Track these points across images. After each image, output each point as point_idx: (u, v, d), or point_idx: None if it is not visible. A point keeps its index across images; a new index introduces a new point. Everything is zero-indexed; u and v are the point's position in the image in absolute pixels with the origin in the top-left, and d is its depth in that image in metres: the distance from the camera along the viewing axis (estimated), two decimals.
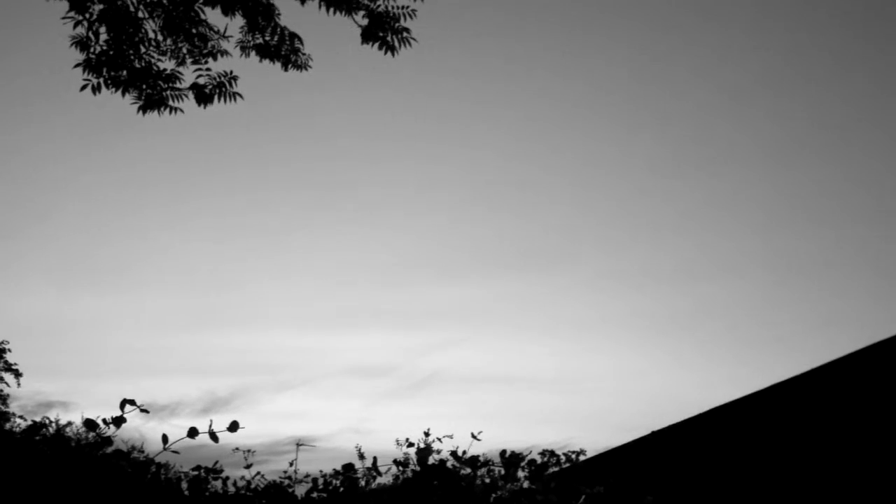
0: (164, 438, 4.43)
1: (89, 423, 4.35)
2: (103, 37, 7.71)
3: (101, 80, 7.83)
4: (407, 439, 5.96)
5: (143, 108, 8.09)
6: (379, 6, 8.05)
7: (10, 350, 32.30)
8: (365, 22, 8.13)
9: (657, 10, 40.36)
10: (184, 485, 5.24)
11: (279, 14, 8.17)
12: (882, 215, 39.96)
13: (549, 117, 43.95)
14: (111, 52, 7.76)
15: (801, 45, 40.59)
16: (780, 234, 42.48)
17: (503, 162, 45.66)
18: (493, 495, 5.40)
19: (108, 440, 4.48)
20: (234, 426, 4.55)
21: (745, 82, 41.88)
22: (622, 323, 45.85)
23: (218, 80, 8.19)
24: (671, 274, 44.70)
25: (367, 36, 8.16)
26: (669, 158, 43.98)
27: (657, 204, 44.55)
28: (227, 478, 5.40)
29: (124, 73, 7.89)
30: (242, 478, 5.56)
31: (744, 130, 42.70)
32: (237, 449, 5.89)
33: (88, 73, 7.78)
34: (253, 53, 8.32)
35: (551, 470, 5.93)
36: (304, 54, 8.40)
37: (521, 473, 5.56)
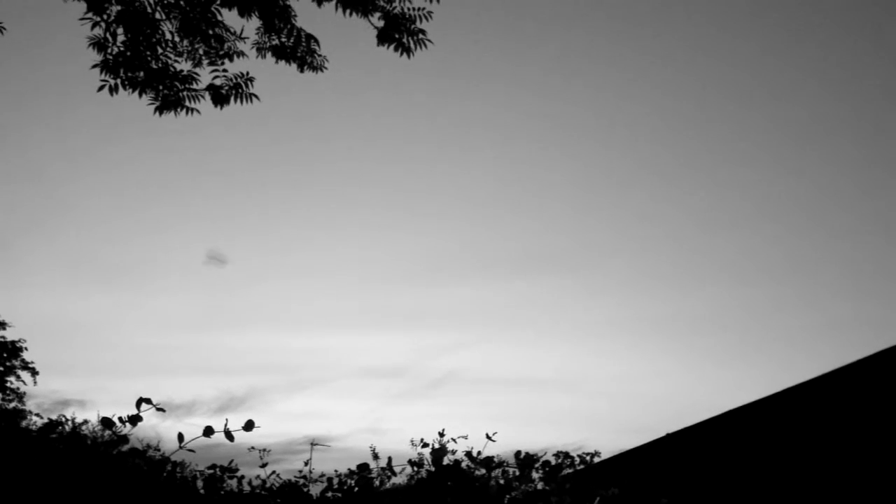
0: (180, 437, 4.45)
1: (106, 422, 4.37)
2: (121, 38, 7.76)
3: (119, 80, 7.87)
4: (422, 439, 5.96)
5: (160, 109, 8.12)
6: (395, 8, 8.06)
7: (26, 348, 32.55)
8: (381, 23, 8.14)
9: (669, 17, 40.26)
10: (199, 483, 5.26)
11: (295, 16, 8.19)
12: (889, 219, 39.76)
13: (563, 123, 43.90)
14: (128, 53, 7.80)
15: (810, 52, 40.40)
16: (791, 240, 42.32)
17: (519, 167, 45.67)
18: (508, 496, 5.40)
19: (125, 438, 4.50)
20: (249, 425, 4.56)
21: (755, 88, 41.72)
22: (636, 326, 45.80)
23: (234, 81, 8.22)
24: (683, 279, 44.60)
25: (383, 37, 8.17)
26: (682, 165, 43.88)
27: (668, 210, 44.47)
28: (243, 477, 5.41)
29: (141, 73, 7.92)
30: (258, 477, 5.57)
31: (754, 137, 42.57)
32: (253, 448, 5.91)
33: (106, 74, 7.82)
34: (269, 55, 8.35)
35: (566, 471, 5.91)
36: (319, 56, 8.42)
37: (535, 475, 5.55)
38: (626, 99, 43.69)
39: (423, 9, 8.05)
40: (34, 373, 32.54)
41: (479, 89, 44.37)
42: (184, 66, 8.12)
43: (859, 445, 12.36)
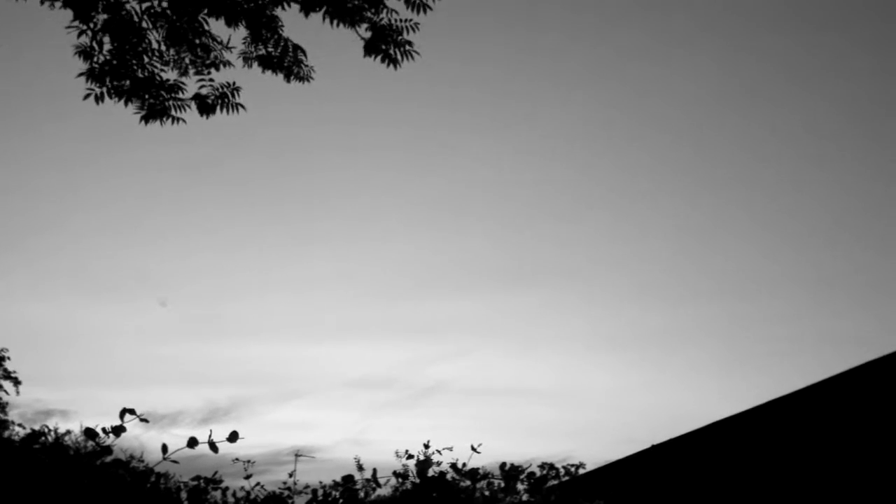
0: (164, 448, 4.43)
1: (89, 432, 4.35)
2: (107, 46, 7.73)
3: (105, 89, 7.84)
4: (406, 451, 5.92)
5: (146, 118, 8.10)
6: (382, 19, 8.06)
7: (9, 358, 32.27)
8: (368, 35, 8.14)
9: (666, 20, 40.49)
10: (183, 495, 5.23)
11: (282, 26, 8.18)
12: (880, 232, 40.03)
13: (554, 132, 44.03)
14: (114, 62, 7.77)
15: (804, 59, 40.69)
16: (778, 252, 42.54)
17: (509, 177, 45.75)
18: None
19: (108, 449, 4.47)
20: (233, 436, 4.54)
21: (750, 99, 41.98)
22: (622, 338, 45.88)
23: (220, 90, 8.20)
24: (670, 291, 44.74)
25: (370, 49, 8.17)
26: (671, 176, 44.08)
27: (657, 222, 44.63)
28: (227, 488, 5.40)
29: (127, 82, 7.89)
30: (242, 488, 5.56)
31: (743, 146, 42.80)
32: (237, 459, 5.88)
33: (92, 83, 7.79)
34: (256, 65, 8.34)
35: (551, 483, 5.91)
36: (306, 66, 8.41)
37: (520, 486, 5.55)
38: (621, 109, 43.87)
39: (410, 20, 8.05)
40: (17, 382, 32.22)
41: (468, 100, 44.46)
42: (170, 75, 8.10)
43: (845, 455, 12.41)
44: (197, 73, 8.16)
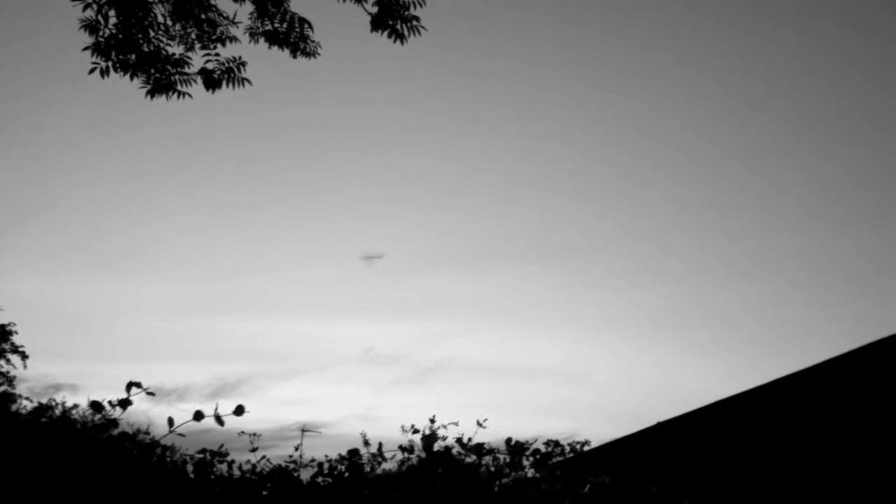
0: (170, 421, 4.44)
1: (95, 405, 4.36)
2: (112, 20, 7.71)
3: (110, 63, 7.82)
4: (412, 426, 5.95)
5: (151, 93, 8.08)
6: None
7: (16, 332, 32.47)
8: (375, 10, 8.09)
9: (668, 12, 40.27)
10: (189, 468, 5.25)
11: (289, 0, 8.14)
12: (882, 214, 39.93)
13: (561, 114, 43.91)
14: (120, 36, 7.75)
15: (804, 47, 40.47)
16: (782, 233, 42.46)
17: (517, 157, 45.66)
18: (498, 483, 5.40)
19: (114, 422, 4.49)
20: (239, 410, 4.55)
21: (749, 83, 41.78)
22: (629, 317, 45.95)
23: (226, 65, 8.17)
24: (677, 271, 44.74)
25: (377, 24, 8.12)
26: (677, 158, 43.96)
27: (664, 202, 44.55)
28: (233, 461, 5.41)
29: (133, 56, 7.87)
30: (248, 461, 5.57)
31: (747, 132, 42.65)
32: (243, 433, 5.89)
33: (97, 57, 7.77)
34: (262, 40, 8.29)
35: (556, 459, 5.92)
36: (312, 41, 8.37)
37: (526, 462, 5.55)
38: (624, 91, 43.69)
39: None
40: (24, 356, 32.44)
41: (473, 78, 44.27)
42: (176, 49, 8.08)
43: (848, 433, 12.42)
44: (203, 47, 8.13)
